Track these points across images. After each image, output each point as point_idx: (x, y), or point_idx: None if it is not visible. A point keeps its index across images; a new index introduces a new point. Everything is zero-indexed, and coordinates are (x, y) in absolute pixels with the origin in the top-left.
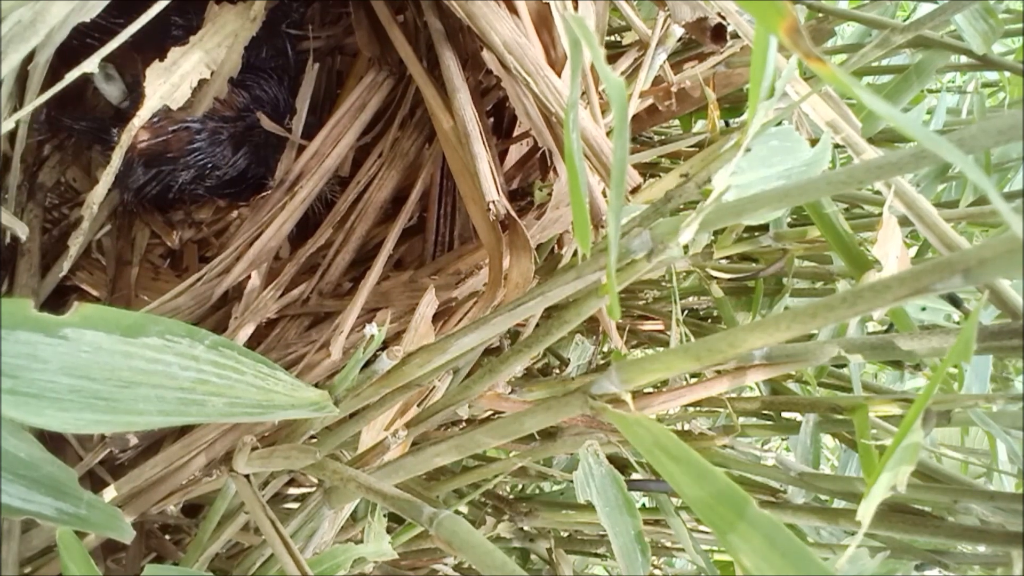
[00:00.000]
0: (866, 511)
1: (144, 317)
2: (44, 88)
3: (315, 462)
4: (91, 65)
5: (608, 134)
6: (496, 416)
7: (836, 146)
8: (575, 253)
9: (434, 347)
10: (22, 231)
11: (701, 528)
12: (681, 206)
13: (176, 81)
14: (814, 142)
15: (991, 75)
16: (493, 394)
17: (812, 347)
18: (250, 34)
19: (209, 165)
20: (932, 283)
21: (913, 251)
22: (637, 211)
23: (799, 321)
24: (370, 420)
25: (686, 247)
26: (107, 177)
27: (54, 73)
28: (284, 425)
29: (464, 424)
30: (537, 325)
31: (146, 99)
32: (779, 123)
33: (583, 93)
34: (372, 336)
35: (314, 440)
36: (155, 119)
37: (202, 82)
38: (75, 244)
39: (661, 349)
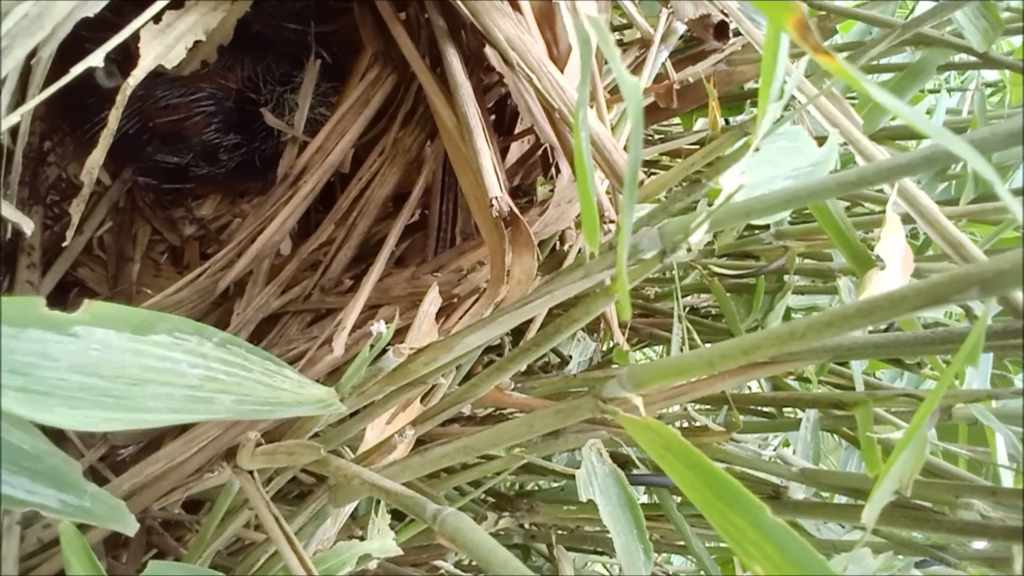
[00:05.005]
0: (871, 514)
1: (153, 315)
2: (47, 84)
3: (319, 459)
4: (96, 59)
5: (613, 131)
6: (500, 413)
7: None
8: (580, 251)
9: (440, 345)
10: (27, 226)
11: (703, 523)
12: (694, 204)
13: (171, 42)
14: (820, 141)
15: (992, 75)
16: (497, 391)
17: (816, 345)
18: (246, 6)
19: (209, 125)
20: (949, 295)
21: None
22: (644, 210)
23: (814, 329)
24: (374, 417)
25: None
26: (105, 140)
27: (56, 70)
28: (287, 421)
29: (464, 421)
30: (542, 323)
31: (140, 59)
32: (780, 118)
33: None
34: (380, 334)
35: (319, 436)
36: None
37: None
38: (76, 211)
39: (663, 347)
